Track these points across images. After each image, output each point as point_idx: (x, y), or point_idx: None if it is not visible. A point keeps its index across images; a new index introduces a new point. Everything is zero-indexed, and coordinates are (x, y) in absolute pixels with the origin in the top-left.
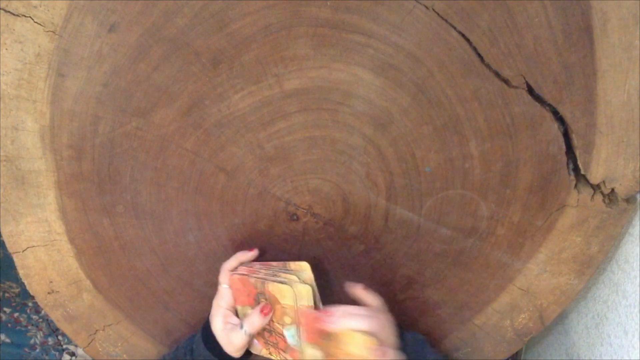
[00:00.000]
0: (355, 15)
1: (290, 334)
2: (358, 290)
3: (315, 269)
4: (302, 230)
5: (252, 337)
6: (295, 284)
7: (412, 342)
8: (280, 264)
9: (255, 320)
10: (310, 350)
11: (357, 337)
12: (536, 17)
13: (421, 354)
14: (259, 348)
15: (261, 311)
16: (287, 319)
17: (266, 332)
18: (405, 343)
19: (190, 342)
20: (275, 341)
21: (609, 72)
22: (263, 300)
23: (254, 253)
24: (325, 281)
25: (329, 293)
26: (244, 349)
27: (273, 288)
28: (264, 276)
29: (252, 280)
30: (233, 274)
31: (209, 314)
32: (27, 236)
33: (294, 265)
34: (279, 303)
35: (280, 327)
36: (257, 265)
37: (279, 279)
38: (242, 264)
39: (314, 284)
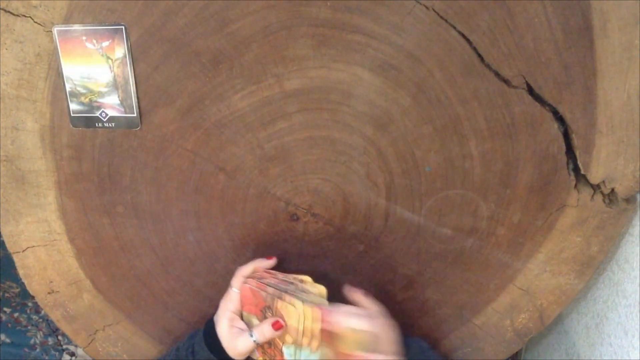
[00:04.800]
0: (355, 15)
1: (288, 353)
2: (358, 296)
3: (330, 295)
4: (302, 230)
5: (258, 346)
6: (303, 304)
7: (414, 348)
8: (297, 281)
9: (266, 331)
10: (325, 350)
11: (355, 337)
12: (536, 17)
13: (423, 358)
14: (256, 355)
15: (273, 325)
16: (289, 338)
17: (266, 344)
18: (407, 349)
19: (192, 342)
20: (272, 354)
21: (609, 72)
22: (269, 314)
23: (272, 262)
24: (326, 281)
25: (329, 293)
26: (247, 355)
27: (282, 306)
28: (274, 292)
29: (263, 294)
30: (245, 283)
31: (213, 314)
32: (27, 236)
33: (310, 286)
34: (284, 321)
35: (281, 344)
36: (270, 279)
37: (288, 298)
38: (258, 272)
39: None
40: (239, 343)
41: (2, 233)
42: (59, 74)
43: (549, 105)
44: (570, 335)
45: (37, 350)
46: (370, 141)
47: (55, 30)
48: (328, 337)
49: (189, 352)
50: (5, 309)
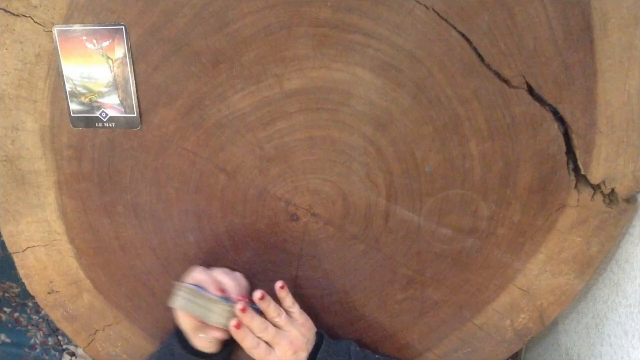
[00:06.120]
0: (355, 15)
1: None
2: (277, 289)
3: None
4: (302, 230)
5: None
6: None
7: (340, 351)
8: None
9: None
10: None
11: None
12: (536, 17)
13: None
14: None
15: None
16: None
17: None
18: (334, 352)
19: (170, 343)
20: None
21: (609, 72)
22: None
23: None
24: (325, 281)
25: (329, 293)
26: (213, 344)
27: None
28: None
29: None
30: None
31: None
32: (27, 236)
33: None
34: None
35: None
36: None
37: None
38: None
39: None
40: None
41: (2, 233)
42: (59, 74)
43: (549, 105)
44: (570, 335)
45: (37, 350)
46: (370, 141)
47: (55, 30)
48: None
49: (168, 353)
50: (5, 309)
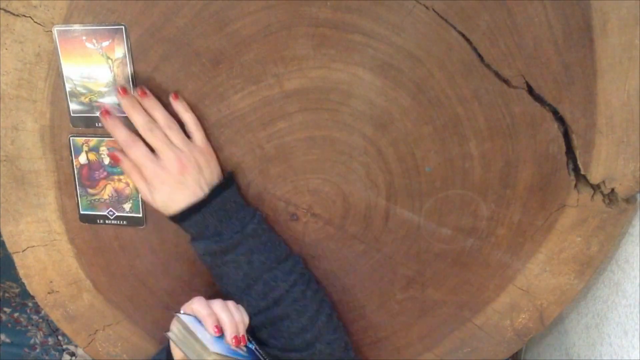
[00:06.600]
0: (355, 15)
1: None
2: (172, 100)
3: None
4: (302, 230)
5: None
6: None
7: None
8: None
9: None
10: None
11: None
12: (536, 17)
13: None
14: None
15: None
16: None
17: None
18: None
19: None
20: None
21: (609, 72)
22: None
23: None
24: (325, 281)
25: (329, 293)
26: None
27: None
28: None
29: None
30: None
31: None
32: (27, 236)
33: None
34: None
35: None
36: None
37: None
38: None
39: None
40: None
41: (2, 233)
42: (59, 74)
43: (549, 105)
44: (570, 335)
45: (37, 350)
46: (370, 141)
47: (55, 30)
48: None
49: None
50: (5, 309)
